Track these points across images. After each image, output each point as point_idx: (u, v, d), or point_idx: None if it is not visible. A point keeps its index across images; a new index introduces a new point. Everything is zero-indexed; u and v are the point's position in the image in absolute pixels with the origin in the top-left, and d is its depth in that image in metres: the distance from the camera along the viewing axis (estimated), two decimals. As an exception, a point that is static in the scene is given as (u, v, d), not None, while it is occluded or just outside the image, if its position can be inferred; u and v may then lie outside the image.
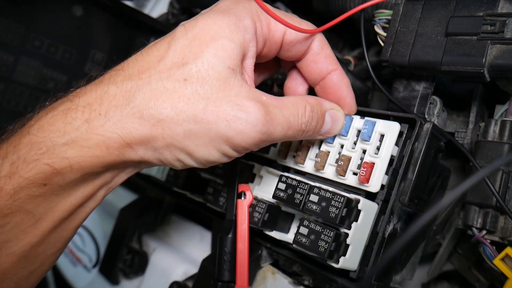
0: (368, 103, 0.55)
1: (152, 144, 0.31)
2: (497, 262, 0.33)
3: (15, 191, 0.30)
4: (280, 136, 0.33)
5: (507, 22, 0.33)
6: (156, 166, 0.37)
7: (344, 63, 0.51)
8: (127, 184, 0.65)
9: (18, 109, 0.57)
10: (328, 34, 0.67)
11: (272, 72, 0.43)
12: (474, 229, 0.37)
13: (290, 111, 0.34)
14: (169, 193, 0.53)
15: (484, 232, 0.37)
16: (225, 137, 0.31)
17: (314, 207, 0.36)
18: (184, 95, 0.31)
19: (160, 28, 0.63)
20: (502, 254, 0.33)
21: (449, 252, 0.47)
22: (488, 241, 0.36)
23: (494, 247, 0.36)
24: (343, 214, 0.34)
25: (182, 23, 0.34)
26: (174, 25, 0.66)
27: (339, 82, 0.38)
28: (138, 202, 0.59)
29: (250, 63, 0.35)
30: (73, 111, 0.31)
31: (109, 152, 0.31)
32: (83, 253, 0.64)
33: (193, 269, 0.49)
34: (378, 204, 0.36)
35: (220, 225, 0.48)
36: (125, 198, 0.62)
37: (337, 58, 0.48)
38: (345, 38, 0.71)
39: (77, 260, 0.65)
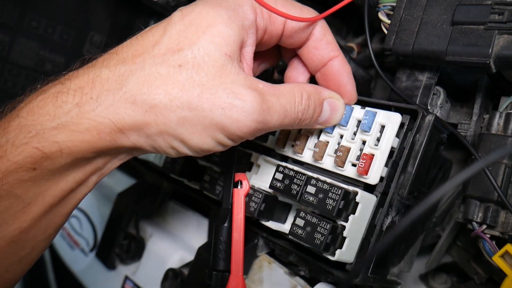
0: (370, 92, 0.54)
1: (145, 130, 0.31)
2: (496, 258, 0.32)
3: (3, 174, 0.29)
4: (276, 125, 0.33)
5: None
6: (150, 153, 0.37)
7: (346, 51, 0.49)
8: (126, 169, 0.64)
9: (14, 90, 0.57)
10: (331, 19, 0.66)
11: (273, 62, 0.42)
12: (474, 223, 0.36)
13: (286, 99, 0.33)
14: (167, 180, 0.52)
15: (484, 226, 0.36)
16: (220, 125, 0.30)
17: (311, 198, 0.35)
18: (178, 81, 0.30)
19: (160, 11, 0.62)
20: (502, 251, 0.32)
21: (448, 244, 0.46)
22: (488, 236, 0.35)
23: (494, 242, 0.35)
24: (340, 207, 0.34)
25: (180, 8, 0.33)
26: (174, 8, 0.64)
27: (340, 69, 0.37)
28: (135, 187, 0.58)
29: (249, 50, 0.34)
30: (64, 95, 0.30)
31: (100, 138, 0.30)
32: (81, 236, 0.64)
33: (189, 256, 0.49)
34: (376, 196, 0.36)
35: (217, 213, 0.47)
36: (123, 182, 0.61)
37: (340, 45, 0.47)
38: (348, 24, 0.69)
39: (74, 244, 0.65)
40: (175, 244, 0.51)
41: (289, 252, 0.41)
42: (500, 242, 0.35)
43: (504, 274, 0.33)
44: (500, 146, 0.36)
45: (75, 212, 0.67)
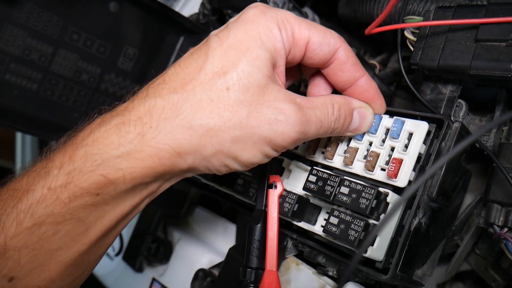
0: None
1: (201, 152, 0.33)
2: None
3: (70, 199, 0.31)
4: (313, 134, 0.35)
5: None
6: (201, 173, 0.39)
7: (371, 67, 0.53)
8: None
9: (52, 99, 0.60)
10: (350, 40, 0.69)
11: (295, 79, 0.44)
12: (495, 226, 0.39)
13: (321, 111, 0.36)
14: (196, 186, 0.55)
15: (505, 230, 0.38)
16: (267, 139, 0.33)
17: (345, 198, 0.38)
18: (228, 104, 0.33)
19: (190, 27, 0.66)
20: None
21: (467, 252, 0.48)
22: (510, 236, 0.37)
23: (515, 243, 0.37)
24: (373, 206, 0.36)
25: (214, 32, 0.36)
26: (204, 25, 0.68)
27: (368, 87, 0.39)
28: (163, 193, 0.60)
29: (282, 69, 0.37)
30: (126, 125, 0.33)
31: (161, 163, 0.33)
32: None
33: (218, 259, 0.51)
34: (405, 199, 0.38)
35: (245, 216, 0.50)
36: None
37: (365, 61, 0.50)
38: (366, 45, 0.73)
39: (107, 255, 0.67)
40: (203, 247, 0.53)
41: (318, 253, 0.44)
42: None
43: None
44: (520, 155, 0.38)
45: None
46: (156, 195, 0.37)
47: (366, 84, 0.39)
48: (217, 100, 0.32)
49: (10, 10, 0.53)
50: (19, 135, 1.07)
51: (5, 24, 0.54)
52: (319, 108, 0.35)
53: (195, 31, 0.67)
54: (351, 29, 0.69)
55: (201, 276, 0.49)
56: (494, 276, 0.47)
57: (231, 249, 0.47)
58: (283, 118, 0.33)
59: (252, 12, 0.35)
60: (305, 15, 0.61)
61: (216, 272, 0.49)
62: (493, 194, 0.39)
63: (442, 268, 0.51)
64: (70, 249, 0.33)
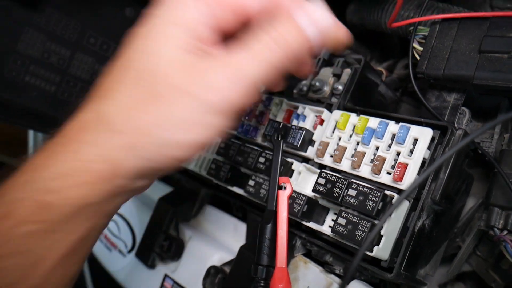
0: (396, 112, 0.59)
1: (140, 152, 0.31)
2: None
3: (11, 230, 0.29)
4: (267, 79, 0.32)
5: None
6: (153, 183, 0.37)
7: (378, 73, 0.54)
8: (163, 178, 0.69)
9: (70, 100, 0.62)
10: (357, 47, 0.71)
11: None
12: (496, 229, 0.41)
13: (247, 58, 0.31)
14: (207, 186, 0.57)
15: (505, 232, 0.40)
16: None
17: (352, 200, 0.39)
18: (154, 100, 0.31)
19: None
20: None
21: (469, 253, 0.50)
22: (510, 239, 0.39)
23: (515, 246, 0.39)
24: (379, 207, 0.38)
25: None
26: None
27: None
28: (175, 192, 0.63)
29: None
30: (59, 145, 0.31)
31: (100, 179, 0.30)
32: (119, 239, 0.68)
33: (228, 257, 0.53)
34: (409, 201, 0.40)
35: (255, 216, 0.52)
36: (161, 190, 0.66)
37: (372, 68, 0.52)
38: (373, 51, 0.75)
39: (112, 245, 0.69)
40: (214, 245, 0.55)
41: (325, 252, 0.46)
42: (520, 247, 0.39)
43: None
44: (520, 161, 0.40)
45: (113, 217, 0.71)
46: (116, 210, 0.34)
47: None
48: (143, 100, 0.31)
49: (31, 14, 0.56)
50: (31, 133, 1.09)
51: (26, 27, 0.56)
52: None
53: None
54: (358, 36, 0.71)
55: (213, 273, 0.51)
56: (494, 277, 0.49)
57: (242, 247, 0.49)
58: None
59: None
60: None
61: (227, 269, 0.51)
62: (494, 198, 0.41)
63: (444, 268, 0.53)
64: (23, 284, 0.30)
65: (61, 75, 0.60)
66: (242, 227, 0.56)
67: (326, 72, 0.53)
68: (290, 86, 0.55)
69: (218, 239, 0.56)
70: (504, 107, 0.44)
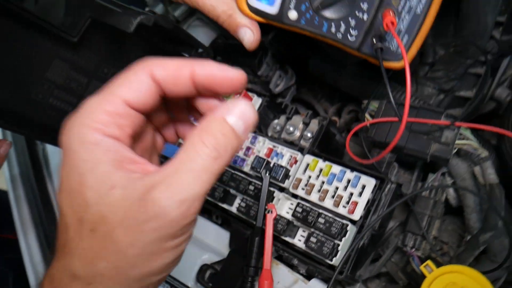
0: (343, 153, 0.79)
1: None
2: (422, 268, 0.57)
3: None
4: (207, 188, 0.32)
5: (443, 131, 0.58)
6: None
7: (333, 123, 0.73)
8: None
9: (81, 119, 0.73)
10: (310, 87, 0.89)
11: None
12: (408, 247, 0.62)
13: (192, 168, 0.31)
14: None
15: (413, 249, 0.61)
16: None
17: (321, 226, 0.58)
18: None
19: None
20: (425, 264, 0.57)
21: (387, 259, 0.71)
22: (416, 255, 0.60)
23: (419, 259, 0.60)
24: (339, 232, 0.57)
25: None
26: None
27: (208, 71, 0.34)
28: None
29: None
30: None
31: None
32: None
33: (215, 257, 0.69)
34: (357, 227, 0.59)
35: (238, 226, 0.68)
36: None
37: (327, 118, 0.71)
38: (323, 91, 0.94)
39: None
40: (202, 247, 0.71)
41: (293, 257, 0.63)
42: (421, 260, 0.61)
43: (420, 280, 0.58)
44: (426, 203, 0.61)
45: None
46: None
47: (198, 69, 0.34)
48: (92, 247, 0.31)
49: (59, 48, 0.66)
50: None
51: (55, 59, 0.66)
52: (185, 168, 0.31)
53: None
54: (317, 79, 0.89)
55: (204, 269, 0.66)
56: (401, 276, 0.70)
57: (231, 251, 0.66)
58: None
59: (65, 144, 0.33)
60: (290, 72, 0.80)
61: (217, 267, 0.67)
62: (409, 226, 0.62)
63: (367, 268, 0.73)
64: None
65: (77, 98, 0.71)
66: (221, 232, 0.72)
67: (297, 119, 0.71)
68: (265, 125, 0.72)
69: (205, 242, 0.72)
70: (420, 165, 0.65)
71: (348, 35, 0.48)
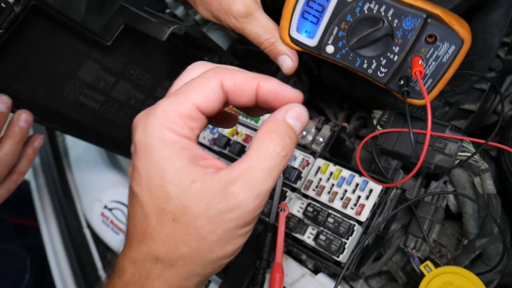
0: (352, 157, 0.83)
1: (192, 275, 0.36)
2: (421, 268, 0.62)
3: None
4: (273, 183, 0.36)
5: (446, 142, 0.63)
6: None
7: (343, 129, 0.78)
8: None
9: (107, 116, 0.78)
10: (316, 92, 0.94)
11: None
12: (409, 248, 0.67)
13: (262, 161, 0.35)
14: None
15: (414, 250, 0.66)
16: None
17: (330, 225, 0.63)
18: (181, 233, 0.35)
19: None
20: (424, 264, 0.62)
21: (388, 259, 0.76)
22: (416, 255, 0.65)
23: (419, 260, 0.65)
24: (347, 231, 0.62)
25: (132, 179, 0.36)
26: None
27: (272, 87, 0.37)
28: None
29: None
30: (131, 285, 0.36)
31: None
32: (125, 225, 0.86)
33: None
34: (363, 228, 0.64)
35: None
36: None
37: (344, 130, 0.75)
38: (332, 97, 0.98)
39: (119, 230, 0.86)
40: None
41: (302, 253, 0.68)
42: (421, 260, 0.65)
43: (419, 279, 0.62)
44: (428, 209, 0.66)
45: (119, 205, 0.88)
46: None
47: (268, 85, 0.37)
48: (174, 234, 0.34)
49: (93, 50, 0.71)
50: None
51: (86, 60, 0.71)
52: (258, 158, 0.35)
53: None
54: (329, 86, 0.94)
55: (219, 260, 0.71)
56: (401, 275, 0.75)
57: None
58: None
59: (138, 136, 0.35)
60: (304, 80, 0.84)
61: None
62: (411, 229, 0.67)
63: (370, 267, 0.78)
64: None
65: (104, 96, 0.76)
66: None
67: (310, 124, 0.75)
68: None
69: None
70: (423, 173, 0.70)
71: (378, 72, 0.54)
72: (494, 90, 0.78)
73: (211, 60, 0.82)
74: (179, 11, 1.04)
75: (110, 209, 0.88)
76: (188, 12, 1.02)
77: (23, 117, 0.61)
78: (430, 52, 0.52)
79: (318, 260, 0.66)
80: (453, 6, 0.57)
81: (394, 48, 0.52)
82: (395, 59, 0.53)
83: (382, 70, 0.54)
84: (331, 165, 0.68)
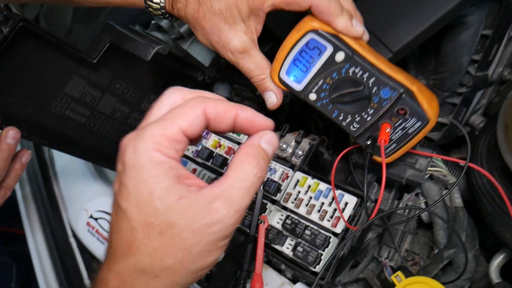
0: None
1: (175, 285, 0.39)
2: (392, 278, 0.65)
3: None
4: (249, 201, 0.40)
5: (417, 158, 0.66)
6: None
7: (322, 141, 0.81)
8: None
9: (93, 129, 0.80)
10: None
11: None
12: (382, 257, 0.70)
13: (241, 179, 0.39)
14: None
15: (387, 260, 0.70)
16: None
17: (307, 237, 0.66)
18: (169, 246, 0.37)
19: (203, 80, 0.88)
20: (395, 274, 0.65)
21: (365, 266, 0.79)
22: (389, 265, 0.69)
23: (391, 269, 0.69)
24: (323, 243, 0.65)
25: (116, 191, 0.39)
26: (212, 83, 0.91)
27: (248, 116, 0.42)
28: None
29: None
30: None
31: None
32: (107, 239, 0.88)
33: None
34: (338, 239, 0.67)
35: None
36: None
37: (323, 143, 0.79)
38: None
39: (104, 239, 0.88)
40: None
41: (281, 263, 0.71)
42: (393, 269, 0.69)
43: (392, 287, 0.66)
44: (400, 220, 0.70)
45: (104, 215, 0.90)
46: None
47: (244, 115, 0.42)
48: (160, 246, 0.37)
49: (80, 67, 0.73)
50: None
51: (73, 75, 0.73)
52: (237, 179, 0.39)
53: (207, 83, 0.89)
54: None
55: (201, 270, 0.74)
56: (376, 282, 0.79)
57: (225, 255, 0.73)
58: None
59: (128, 155, 0.38)
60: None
61: (213, 269, 0.74)
62: (384, 240, 0.70)
63: (348, 275, 0.82)
64: None
65: (90, 110, 0.78)
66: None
67: (290, 137, 0.78)
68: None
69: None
70: (396, 187, 0.73)
71: (351, 126, 0.61)
72: (466, 105, 0.82)
73: (195, 75, 0.85)
74: (164, 22, 1.07)
75: (96, 219, 0.90)
76: (173, 24, 1.05)
77: (11, 134, 0.63)
78: (399, 122, 0.58)
79: (296, 270, 0.69)
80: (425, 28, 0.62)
81: (369, 110, 0.58)
82: (368, 119, 0.59)
83: (355, 125, 0.60)
84: (309, 178, 0.72)
